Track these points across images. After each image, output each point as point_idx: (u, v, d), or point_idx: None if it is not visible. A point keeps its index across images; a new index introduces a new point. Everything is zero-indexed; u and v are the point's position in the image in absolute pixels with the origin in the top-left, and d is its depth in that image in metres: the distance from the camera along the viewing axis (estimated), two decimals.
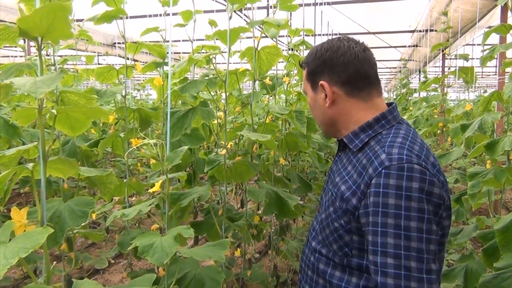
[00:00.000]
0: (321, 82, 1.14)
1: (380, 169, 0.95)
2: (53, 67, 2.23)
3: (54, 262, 1.26)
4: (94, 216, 1.92)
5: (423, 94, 5.24)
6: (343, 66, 1.12)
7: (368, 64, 1.14)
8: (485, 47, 2.56)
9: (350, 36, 1.20)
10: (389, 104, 1.18)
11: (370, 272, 0.95)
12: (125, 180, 2.18)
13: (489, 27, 4.20)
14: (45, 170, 0.91)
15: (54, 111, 0.96)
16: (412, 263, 0.88)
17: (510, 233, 1.48)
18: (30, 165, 0.98)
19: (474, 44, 5.45)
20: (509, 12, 3.27)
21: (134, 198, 3.01)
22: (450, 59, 4.30)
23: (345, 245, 1.07)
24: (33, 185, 0.97)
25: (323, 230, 1.14)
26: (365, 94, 1.14)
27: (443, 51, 4.79)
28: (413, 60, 8.47)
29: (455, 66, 3.53)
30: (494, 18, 4.48)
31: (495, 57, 2.36)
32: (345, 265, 1.07)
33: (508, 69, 2.50)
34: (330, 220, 1.10)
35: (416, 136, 1.09)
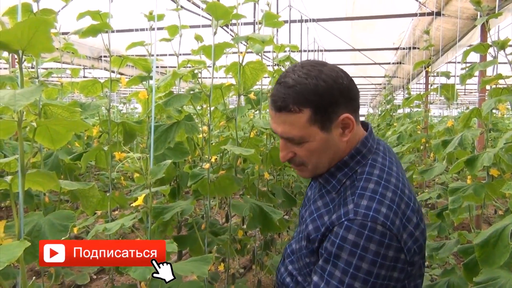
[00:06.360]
0: (345, 115, 0.98)
1: (343, 219, 0.92)
2: (36, 80, 2.22)
3: (34, 278, 1.24)
4: (75, 231, 1.90)
5: (407, 110, 5.31)
6: (355, 93, 1.02)
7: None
8: (466, 65, 2.62)
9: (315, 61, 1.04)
10: (364, 125, 1.12)
11: None
12: (108, 194, 2.16)
13: (470, 45, 4.31)
14: (23, 183, 0.90)
15: (34, 124, 0.96)
16: None
17: (489, 248, 1.50)
18: (8, 178, 0.97)
19: (456, 62, 5.56)
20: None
21: (117, 212, 2.98)
22: (432, 76, 4.38)
23: None
24: (12, 198, 0.96)
25: (298, 260, 1.10)
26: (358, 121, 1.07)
27: (425, 68, 4.89)
28: (397, 77, 8.62)
29: (438, 84, 3.60)
30: (475, 37, 4.58)
31: (475, 75, 2.42)
32: None
33: (488, 87, 2.56)
34: (301, 254, 1.07)
35: (392, 165, 1.04)
